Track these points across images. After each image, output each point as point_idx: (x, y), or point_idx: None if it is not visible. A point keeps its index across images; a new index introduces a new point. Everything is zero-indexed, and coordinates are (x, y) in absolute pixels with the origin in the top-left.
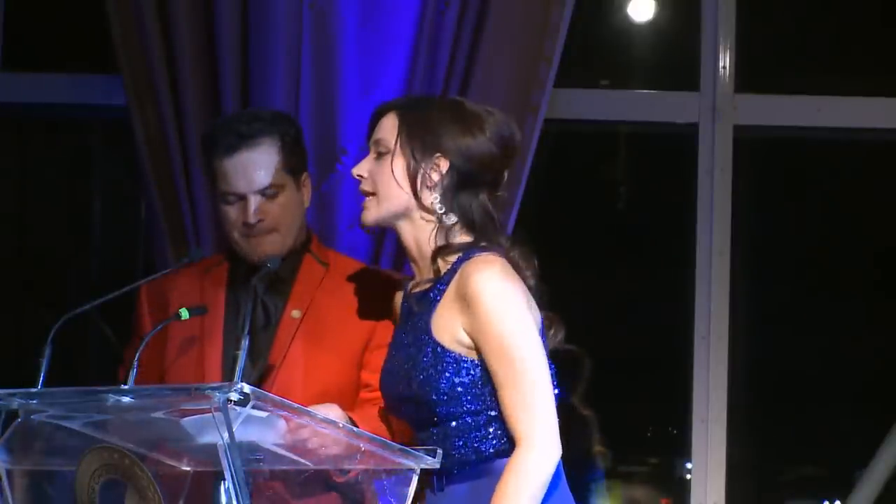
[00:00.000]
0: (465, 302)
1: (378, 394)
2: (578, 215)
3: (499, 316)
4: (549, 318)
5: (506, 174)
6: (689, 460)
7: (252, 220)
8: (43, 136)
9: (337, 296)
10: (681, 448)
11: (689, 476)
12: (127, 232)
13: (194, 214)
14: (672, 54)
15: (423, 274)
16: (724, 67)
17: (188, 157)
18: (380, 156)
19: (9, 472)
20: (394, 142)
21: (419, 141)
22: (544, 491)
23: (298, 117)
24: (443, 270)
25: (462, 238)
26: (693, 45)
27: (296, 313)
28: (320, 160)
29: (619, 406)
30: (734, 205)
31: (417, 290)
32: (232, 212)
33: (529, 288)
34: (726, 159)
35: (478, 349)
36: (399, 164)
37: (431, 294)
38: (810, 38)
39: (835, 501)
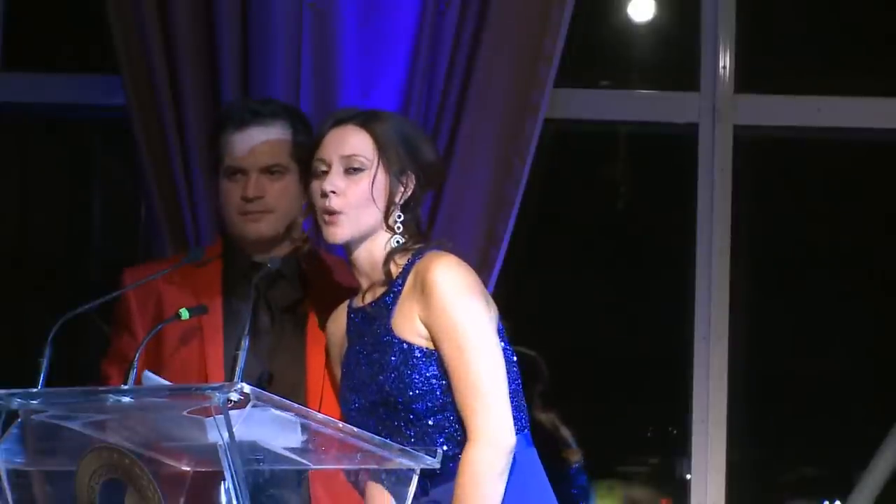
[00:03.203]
0: (422, 292)
1: None
2: (578, 215)
3: (453, 304)
4: None
5: None
6: (690, 461)
7: (250, 194)
8: (43, 136)
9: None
10: (681, 448)
11: (689, 476)
12: (127, 232)
13: (194, 214)
14: (672, 54)
15: (374, 281)
16: (724, 67)
17: (188, 157)
18: (354, 171)
19: (9, 472)
20: (374, 159)
21: (397, 158)
22: (503, 481)
23: None
24: (395, 272)
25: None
26: (693, 45)
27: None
28: None
29: (619, 406)
30: (734, 205)
31: (367, 301)
32: (233, 189)
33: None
34: (726, 159)
35: (433, 338)
36: (381, 182)
37: (387, 298)
38: (810, 38)
39: (835, 501)
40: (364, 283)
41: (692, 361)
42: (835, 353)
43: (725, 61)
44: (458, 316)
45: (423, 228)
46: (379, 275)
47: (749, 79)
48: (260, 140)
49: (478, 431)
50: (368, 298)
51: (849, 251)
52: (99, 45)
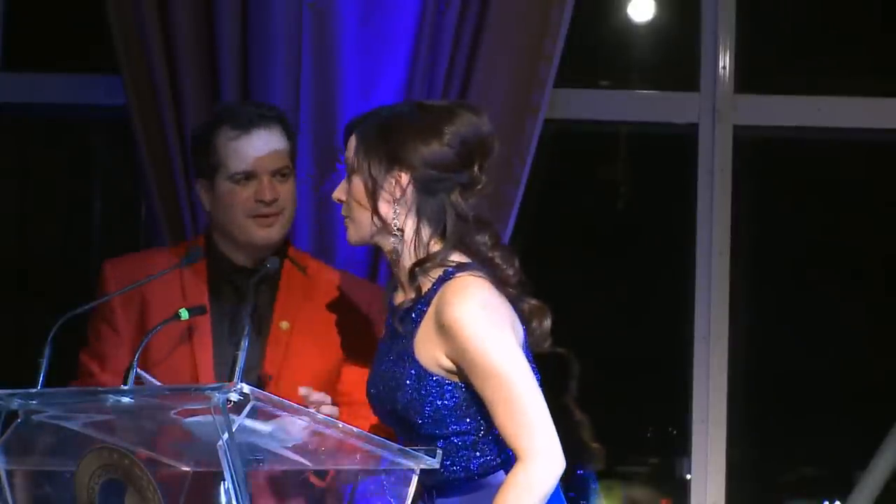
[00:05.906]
0: (445, 331)
1: (356, 401)
2: (578, 215)
3: (480, 342)
4: (534, 309)
5: (477, 169)
6: (690, 460)
7: (268, 197)
8: (43, 136)
9: (318, 305)
10: (681, 448)
11: (689, 476)
12: (127, 232)
13: (194, 214)
14: (672, 54)
15: (406, 289)
16: (724, 67)
17: (188, 157)
18: (350, 177)
19: (9, 472)
20: (354, 161)
21: (375, 157)
22: (545, 503)
23: (298, 117)
24: (424, 287)
25: (436, 247)
26: (693, 45)
27: (284, 325)
28: (320, 160)
29: (619, 406)
30: (734, 205)
31: (401, 304)
32: (242, 192)
33: (513, 290)
34: (726, 159)
35: (462, 374)
36: (357, 184)
37: (413, 314)
38: (810, 38)
39: (835, 501)
40: (400, 286)
41: (692, 361)
42: (834, 353)
43: (725, 61)
44: (486, 353)
45: (454, 227)
46: (408, 281)
47: (749, 79)
48: (268, 143)
49: (530, 450)
50: (403, 301)
51: (849, 251)
52: (99, 45)
